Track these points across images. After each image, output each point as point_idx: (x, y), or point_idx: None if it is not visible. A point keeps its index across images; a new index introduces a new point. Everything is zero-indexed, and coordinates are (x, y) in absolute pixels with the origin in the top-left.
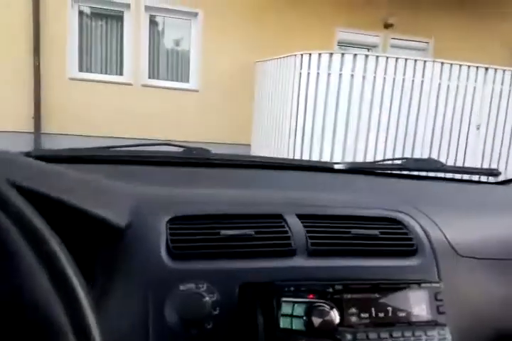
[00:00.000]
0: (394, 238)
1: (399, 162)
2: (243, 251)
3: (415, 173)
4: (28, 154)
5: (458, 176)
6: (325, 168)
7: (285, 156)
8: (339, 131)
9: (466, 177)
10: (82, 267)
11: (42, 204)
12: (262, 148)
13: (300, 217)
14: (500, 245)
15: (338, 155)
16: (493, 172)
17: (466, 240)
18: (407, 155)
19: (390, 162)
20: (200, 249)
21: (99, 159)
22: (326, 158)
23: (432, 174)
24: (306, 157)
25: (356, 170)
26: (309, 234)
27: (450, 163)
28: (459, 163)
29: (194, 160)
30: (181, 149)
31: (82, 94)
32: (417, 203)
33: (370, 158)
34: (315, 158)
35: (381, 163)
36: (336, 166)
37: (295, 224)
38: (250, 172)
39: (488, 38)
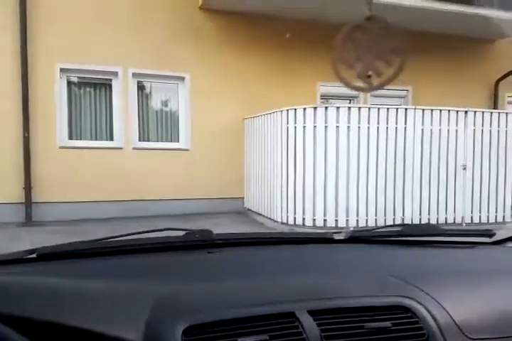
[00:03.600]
0: (405, 329)
1: (398, 228)
2: None
3: (414, 239)
4: (31, 252)
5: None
6: (325, 239)
7: (278, 209)
8: (330, 184)
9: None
10: None
11: (45, 329)
12: (255, 201)
13: (312, 313)
14: (507, 320)
15: (331, 210)
16: (488, 234)
17: (472, 319)
18: (398, 200)
19: (388, 229)
20: None
21: (101, 251)
22: (319, 213)
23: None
24: (299, 212)
25: (356, 239)
26: (324, 334)
27: (442, 204)
28: (450, 203)
29: (198, 242)
30: (183, 233)
31: (73, 161)
32: (420, 281)
33: (362, 214)
34: (308, 213)
35: (380, 229)
36: (336, 236)
37: (308, 324)
38: (253, 252)
39: (466, 82)
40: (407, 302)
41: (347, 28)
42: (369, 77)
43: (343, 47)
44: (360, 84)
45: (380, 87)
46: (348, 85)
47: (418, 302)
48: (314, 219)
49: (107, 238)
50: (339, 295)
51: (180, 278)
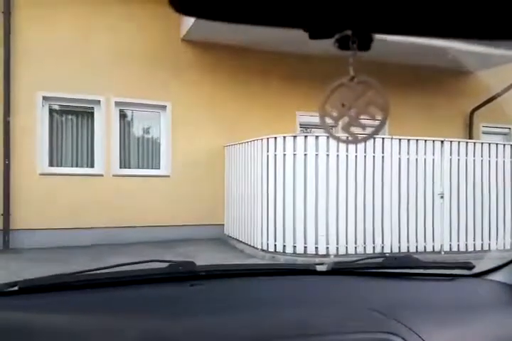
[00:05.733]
0: None
1: (379, 260)
2: None
3: (394, 271)
4: (13, 285)
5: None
6: (308, 271)
7: (258, 236)
8: (309, 211)
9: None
10: None
11: None
12: (235, 228)
13: None
14: None
15: (311, 237)
16: (467, 266)
17: None
18: (377, 228)
19: (370, 260)
20: None
21: (83, 284)
22: (299, 240)
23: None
24: (279, 239)
25: (338, 271)
26: None
27: (420, 232)
28: (429, 232)
29: (181, 274)
30: (166, 264)
31: (53, 188)
32: (403, 316)
33: (342, 241)
34: (288, 240)
35: (361, 261)
36: (318, 268)
37: None
38: (237, 284)
39: (442, 112)
40: (392, 339)
41: (332, 87)
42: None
43: (327, 104)
44: (345, 137)
45: (365, 140)
46: (335, 139)
47: (403, 339)
48: (295, 246)
49: (90, 270)
50: (324, 332)
51: (161, 313)
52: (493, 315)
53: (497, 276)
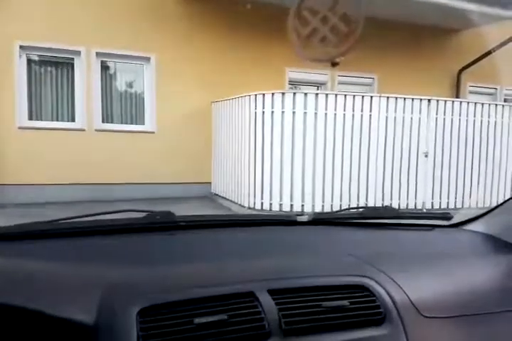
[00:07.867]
0: (362, 307)
1: (359, 210)
2: (218, 339)
3: (374, 221)
4: None
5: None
6: (289, 222)
7: (245, 194)
8: (296, 169)
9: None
10: None
11: None
12: (222, 186)
13: (271, 292)
14: (460, 300)
15: (298, 196)
16: (445, 217)
17: (427, 299)
18: (362, 186)
19: (350, 211)
20: None
21: (57, 233)
22: (285, 198)
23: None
24: (266, 197)
25: (318, 221)
26: (282, 313)
27: (403, 190)
28: (412, 189)
29: (159, 224)
30: (144, 214)
31: (33, 142)
32: (378, 262)
33: (328, 199)
34: (275, 198)
35: (342, 212)
36: (299, 218)
37: (267, 303)
38: (216, 234)
39: (430, 71)
40: (365, 281)
41: None
42: (335, 63)
43: (298, 15)
44: (318, 55)
45: (335, 57)
46: (303, 55)
47: (376, 282)
48: (281, 204)
49: (64, 219)
50: (299, 275)
51: (138, 260)
52: (470, 263)
53: (474, 226)
